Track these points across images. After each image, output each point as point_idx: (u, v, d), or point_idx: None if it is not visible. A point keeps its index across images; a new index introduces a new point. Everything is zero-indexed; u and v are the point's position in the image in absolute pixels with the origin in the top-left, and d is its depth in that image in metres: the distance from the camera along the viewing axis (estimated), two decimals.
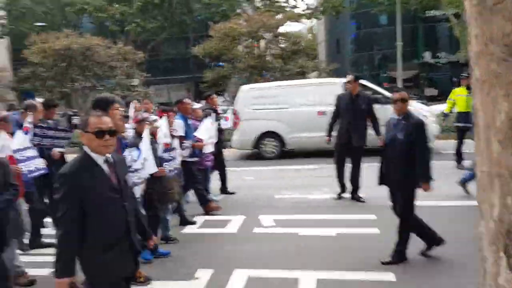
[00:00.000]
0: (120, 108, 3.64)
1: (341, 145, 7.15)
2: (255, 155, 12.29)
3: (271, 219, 6.32)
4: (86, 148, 2.65)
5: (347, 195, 7.26)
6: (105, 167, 2.65)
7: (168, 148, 5.22)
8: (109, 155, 2.68)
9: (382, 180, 4.73)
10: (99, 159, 2.64)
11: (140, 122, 4.97)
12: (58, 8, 29.80)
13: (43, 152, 5.41)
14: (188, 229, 5.95)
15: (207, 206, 6.70)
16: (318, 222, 6.09)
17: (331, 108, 7.68)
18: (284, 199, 7.49)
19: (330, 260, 4.77)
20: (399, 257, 4.53)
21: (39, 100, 5.95)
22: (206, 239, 5.62)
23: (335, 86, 10.73)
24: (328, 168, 10.03)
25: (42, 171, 4.95)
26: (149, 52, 29.33)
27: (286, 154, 11.85)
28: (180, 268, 4.70)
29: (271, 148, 11.90)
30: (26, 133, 5.04)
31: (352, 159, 7.09)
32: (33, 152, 4.87)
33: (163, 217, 5.36)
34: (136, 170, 4.45)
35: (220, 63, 20.87)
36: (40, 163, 4.93)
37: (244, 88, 12.65)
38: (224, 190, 8.05)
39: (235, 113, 11.44)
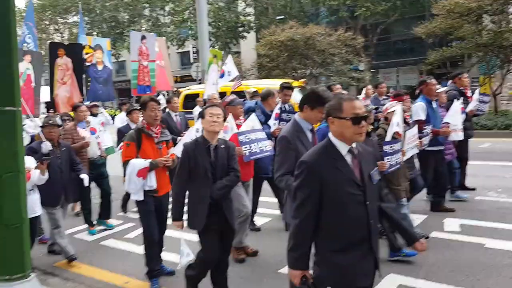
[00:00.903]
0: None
1: None
2: None
3: (457, 223, 5.53)
4: (331, 136, 2.41)
5: None
6: (348, 158, 2.37)
7: (394, 140, 4.52)
8: (354, 145, 2.40)
9: None
10: (343, 149, 2.36)
11: None
12: (295, 0, 31.88)
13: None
14: None
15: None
16: None
17: None
18: (484, 202, 6.40)
19: (509, 285, 3.91)
20: None
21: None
22: None
23: None
24: None
25: (266, 153, 4.90)
26: (378, 36, 28.63)
27: None
28: None
29: None
30: (276, 119, 5.51)
31: None
32: (261, 134, 4.93)
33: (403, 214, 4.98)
34: None
35: (457, 41, 18.78)
36: (267, 145, 4.94)
37: None
38: (461, 185, 6.88)
39: None
